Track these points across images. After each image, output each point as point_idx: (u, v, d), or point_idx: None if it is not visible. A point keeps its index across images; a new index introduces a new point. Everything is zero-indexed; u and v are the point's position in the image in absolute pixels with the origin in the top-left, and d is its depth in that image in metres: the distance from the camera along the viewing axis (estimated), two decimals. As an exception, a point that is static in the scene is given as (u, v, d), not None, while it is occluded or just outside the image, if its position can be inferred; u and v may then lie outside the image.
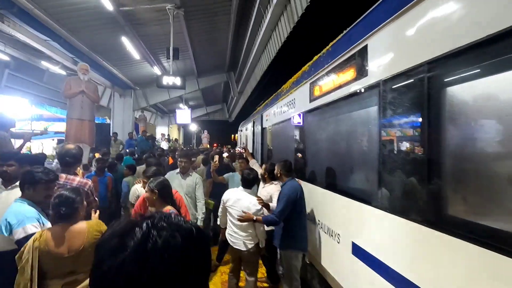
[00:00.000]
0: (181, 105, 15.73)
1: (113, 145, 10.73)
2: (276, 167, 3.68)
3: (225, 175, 4.62)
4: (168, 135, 20.66)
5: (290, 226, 3.33)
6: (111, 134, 11.02)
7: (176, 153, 6.97)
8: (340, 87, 2.88)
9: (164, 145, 16.11)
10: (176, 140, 21.41)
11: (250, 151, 8.47)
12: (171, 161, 7.47)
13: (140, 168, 6.36)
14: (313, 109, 3.71)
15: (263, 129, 7.58)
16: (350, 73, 2.69)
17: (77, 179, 2.75)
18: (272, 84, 7.98)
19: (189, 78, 13.14)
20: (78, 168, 3.18)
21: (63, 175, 2.68)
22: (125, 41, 7.35)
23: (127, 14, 6.68)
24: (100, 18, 6.64)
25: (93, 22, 6.77)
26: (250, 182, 3.47)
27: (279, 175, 3.58)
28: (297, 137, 4.43)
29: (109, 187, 5.24)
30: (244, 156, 4.86)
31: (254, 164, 4.76)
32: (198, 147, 22.70)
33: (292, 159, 4.45)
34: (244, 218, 3.20)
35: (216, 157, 4.26)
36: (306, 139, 4.04)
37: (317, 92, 3.57)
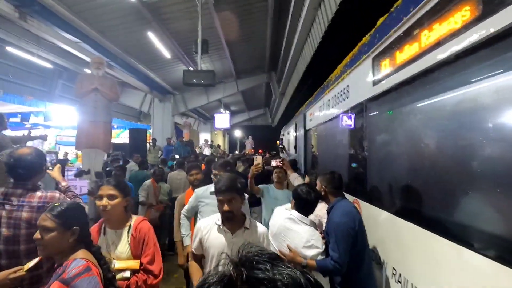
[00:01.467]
0: (222, 110, 15.26)
1: (152, 151, 10.48)
2: (318, 182, 2.47)
3: (260, 186, 3.55)
4: (212, 141, 20.45)
5: (348, 274, 2.09)
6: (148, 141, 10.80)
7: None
8: (443, 42, 1.61)
9: (207, 151, 15.74)
10: (218, 146, 21.09)
11: (291, 155, 7.29)
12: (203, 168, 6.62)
13: (172, 174, 5.71)
14: (381, 94, 2.44)
15: (306, 131, 6.36)
16: (469, 10, 1.42)
17: (38, 195, 1.91)
18: (317, 80, 6.73)
19: (228, 80, 12.51)
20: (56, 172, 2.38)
21: (15, 193, 1.87)
22: (153, 37, 6.83)
23: (153, 8, 6.12)
24: (126, 15, 6.22)
25: (119, 19, 6.39)
26: (308, 206, 2.20)
27: (323, 193, 2.37)
28: (353, 139, 3.16)
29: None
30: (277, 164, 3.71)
31: (296, 179, 3.60)
32: (242, 153, 22.14)
33: (345, 169, 3.19)
34: (288, 258, 2.03)
35: (259, 159, 3.16)
36: (367, 141, 2.77)
37: (387, 67, 2.30)
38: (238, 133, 29.94)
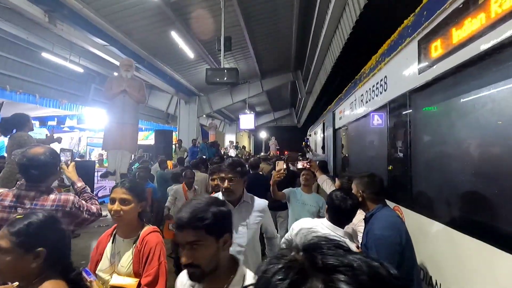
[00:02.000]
0: (247, 111, 15.13)
1: (178, 152, 10.55)
2: (354, 186, 2.12)
3: (286, 191, 3.26)
4: (237, 142, 20.42)
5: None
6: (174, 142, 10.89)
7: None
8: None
9: (232, 153, 15.68)
10: (243, 147, 21.01)
11: (318, 156, 6.89)
12: None
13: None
14: (429, 83, 2.06)
15: (335, 130, 5.95)
16: None
17: (51, 198, 1.78)
18: (347, 75, 6.30)
19: (252, 80, 12.32)
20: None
21: (28, 195, 1.75)
22: (177, 37, 6.79)
23: (176, 7, 6.07)
24: (150, 15, 6.22)
25: (144, 20, 6.42)
26: (344, 216, 1.90)
27: (360, 198, 2.01)
28: (393, 136, 2.77)
29: (148, 200, 4.43)
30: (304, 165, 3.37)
31: (325, 182, 3.26)
32: (266, 154, 21.90)
33: (382, 171, 2.81)
34: None
35: (281, 164, 2.86)
36: (411, 138, 2.38)
37: (439, 50, 1.92)
38: (263, 135, 29.73)
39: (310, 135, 12.33)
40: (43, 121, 12.06)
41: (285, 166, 2.92)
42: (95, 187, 7.62)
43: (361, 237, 2.24)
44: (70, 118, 12.01)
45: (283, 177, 2.97)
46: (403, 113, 2.50)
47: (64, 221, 1.82)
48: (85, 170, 6.84)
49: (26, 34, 6.69)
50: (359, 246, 2.07)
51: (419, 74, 2.20)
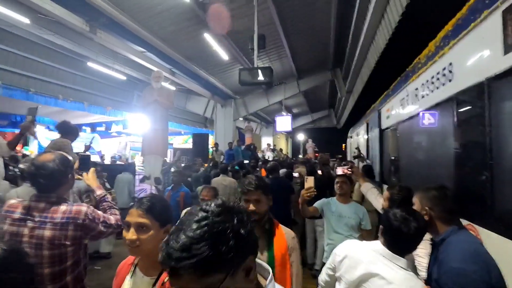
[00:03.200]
0: (282, 113, 14.78)
1: (215, 155, 10.57)
2: (417, 201, 1.65)
3: (318, 203, 2.85)
4: (274, 145, 20.12)
5: None
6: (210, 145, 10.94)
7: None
8: None
9: (269, 155, 15.41)
10: (281, 150, 20.62)
11: (362, 162, 6.24)
12: (263, 174, 6.10)
13: (216, 180, 5.42)
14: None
15: (382, 131, 5.33)
16: None
17: (62, 209, 1.63)
18: (394, 69, 5.62)
19: (288, 80, 11.92)
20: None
21: (38, 207, 1.62)
22: (210, 39, 6.70)
23: (207, 8, 5.97)
24: (183, 19, 6.23)
25: (178, 25, 6.44)
26: (405, 241, 1.41)
27: (426, 217, 1.53)
28: (464, 137, 2.22)
29: (180, 205, 4.30)
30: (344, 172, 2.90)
31: (370, 191, 2.77)
32: (303, 157, 21.27)
33: (447, 180, 2.27)
34: None
35: (310, 182, 2.36)
36: (493, 139, 1.83)
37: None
38: (301, 137, 29.03)
39: (351, 137, 11.55)
40: (93, 127, 13.02)
41: (312, 182, 2.45)
42: (136, 189, 7.87)
43: (420, 265, 1.77)
44: (115, 124, 12.78)
45: (318, 183, 2.57)
46: (479, 107, 1.96)
47: (76, 234, 1.66)
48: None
49: (73, 45, 7.15)
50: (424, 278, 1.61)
51: (504, 54, 1.67)
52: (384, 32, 5.80)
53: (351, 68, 9.37)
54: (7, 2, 5.31)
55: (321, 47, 9.46)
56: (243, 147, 11.08)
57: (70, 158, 1.79)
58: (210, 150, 11.01)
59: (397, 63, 6.10)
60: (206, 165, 8.44)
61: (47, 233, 1.58)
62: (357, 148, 7.04)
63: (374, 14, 5.48)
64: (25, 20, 5.81)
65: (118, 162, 9.37)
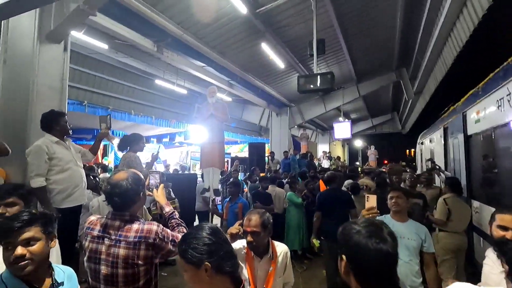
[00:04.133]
0: (340, 119, 14.05)
1: (271, 164, 10.49)
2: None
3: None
4: (329, 152, 19.30)
5: None
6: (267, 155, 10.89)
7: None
8: None
9: (325, 164, 14.76)
10: (338, 158, 19.64)
11: (438, 176, 5.39)
12: (322, 186, 5.65)
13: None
14: None
15: (468, 138, 4.54)
16: None
17: (134, 228, 1.64)
18: (482, 63, 4.76)
19: (347, 85, 11.30)
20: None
21: (113, 225, 1.64)
22: (267, 49, 6.67)
23: (265, 18, 5.96)
24: (241, 31, 6.32)
25: (235, 37, 6.55)
26: None
27: None
28: None
29: (239, 217, 4.22)
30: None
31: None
32: (364, 166, 19.86)
33: None
34: None
35: (372, 201, 2.04)
36: None
37: None
38: (358, 143, 27.35)
39: (422, 143, 10.29)
40: (159, 138, 14.19)
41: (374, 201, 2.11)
42: (196, 199, 8.18)
43: None
44: (178, 135, 13.72)
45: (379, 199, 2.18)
46: None
47: (148, 254, 1.64)
48: (189, 183, 7.33)
49: (144, 65, 7.87)
50: None
51: None
52: (467, 20, 5.00)
53: (421, 67, 8.41)
54: (91, 32, 6.08)
55: (384, 46, 8.73)
56: (298, 155, 10.79)
57: (141, 176, 1.80)
58: (266, 159, 10.96)
59: (482, 58, 5.20)
60: (263, 174, 8.38)
61: (122, 251, 1.58)
62: (431, 160, 6.13)
63: (453, 2, 4.78)
64: (104, 46, 6.59)
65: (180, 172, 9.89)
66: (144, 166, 3.48)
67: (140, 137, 3.48)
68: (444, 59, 6.97)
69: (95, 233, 1.62)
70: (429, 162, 5.93)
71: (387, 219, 2.48)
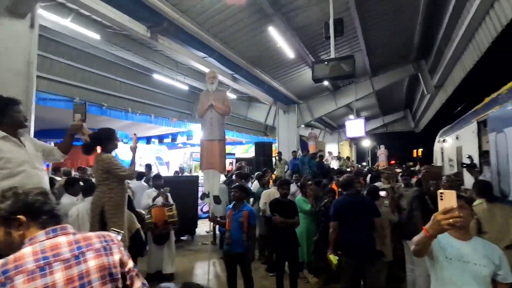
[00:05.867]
0: (351, 117, 13.26)
1: (278, 165, 9.78)
2: None
3: None
4: (339, 152, 18.49)
5: None
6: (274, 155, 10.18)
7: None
8: None
9: (334, 165, 13.96)
10: (348, 158, 18.79)
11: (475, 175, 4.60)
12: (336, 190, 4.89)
13: (270, 192, 4.73)
14: None
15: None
16: None
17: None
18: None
19: (360, 79, 10.53)
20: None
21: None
22: (275, 34, 5.95)
23: (274, 0, 5.25)
24: (245, 16, 5.65)
25: (240, 23, 5.88)
26: None
27: None
28: None
29: (244, 226, 3.49)
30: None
31: None
32: (373, 166, 18.99)
33: None
34: None
35: (451, 197, 1.38)
36: None
37: None
38: (366, 143, 26.42)
39: (444, 141, 9.45)
40: (160, 139, 13.55)
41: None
42: (198, 202, 7.49)
43: None
44: (181, 135, 13.06)
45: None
46: None
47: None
48: (189, 185, 6.68)
49: (139, 59, 7.22)
50: None
51: None
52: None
53: (444, 57, 7.61)
54: (79, 19, 5.49)
55: (405, 34, 7.95)
56: (305, 154, 10.02)
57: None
58: (274, 160, 10.26)
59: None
60: (274, 175, 7.66)
61: (93, 263, 1.03)
62: (469, 157, 5.36)
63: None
64: (96, 36, 5.97)
65: (186, 173, 9.28)
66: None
67: (113, 132, 2.82)
68: (476, 45, 6.16)
69: (31, 266, 0.94)
70: (468, 158, 5.16)
71: (445, 237, 1.73)
